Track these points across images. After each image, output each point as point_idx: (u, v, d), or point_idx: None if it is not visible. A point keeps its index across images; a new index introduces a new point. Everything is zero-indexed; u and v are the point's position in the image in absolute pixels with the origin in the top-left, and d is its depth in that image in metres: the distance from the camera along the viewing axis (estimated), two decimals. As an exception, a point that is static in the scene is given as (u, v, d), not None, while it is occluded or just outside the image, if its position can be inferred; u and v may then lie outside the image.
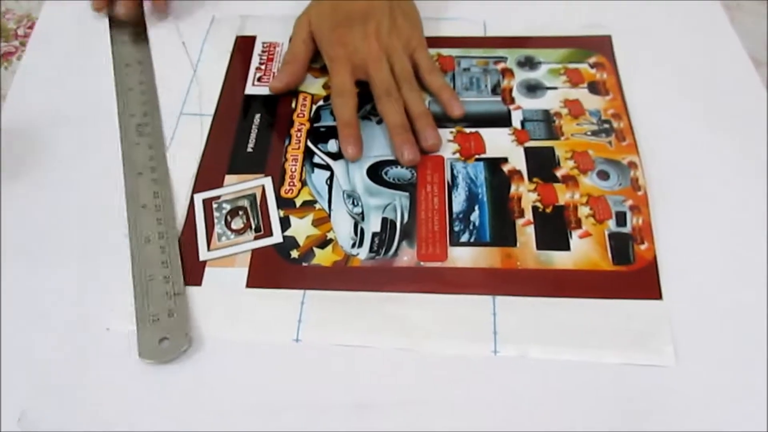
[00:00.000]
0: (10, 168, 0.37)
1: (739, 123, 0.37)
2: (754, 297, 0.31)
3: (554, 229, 0.33)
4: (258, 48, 0.43)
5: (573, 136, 0.37)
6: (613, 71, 0.40)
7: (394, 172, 0.36)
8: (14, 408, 0.28)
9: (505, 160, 0.36)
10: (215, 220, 0.35)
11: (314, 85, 0.41)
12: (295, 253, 0.33)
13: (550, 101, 0.39)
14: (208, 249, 0.34)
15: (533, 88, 0.39)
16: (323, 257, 0.33)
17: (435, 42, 0.42)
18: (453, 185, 0.35)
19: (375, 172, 0.36)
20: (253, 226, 0.34)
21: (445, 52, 0.42)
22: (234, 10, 0.45)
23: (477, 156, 0.36)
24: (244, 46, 0.43)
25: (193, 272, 0.33)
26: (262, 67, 0.42)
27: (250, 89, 0.40)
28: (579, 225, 0.33)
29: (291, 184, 0.36)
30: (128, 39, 0.43)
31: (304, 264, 0.33)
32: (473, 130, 0.38)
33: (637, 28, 0.42)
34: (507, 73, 0.40)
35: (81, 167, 0.37)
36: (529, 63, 0.41)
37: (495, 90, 0.39)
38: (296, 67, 0.40)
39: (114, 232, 0.34)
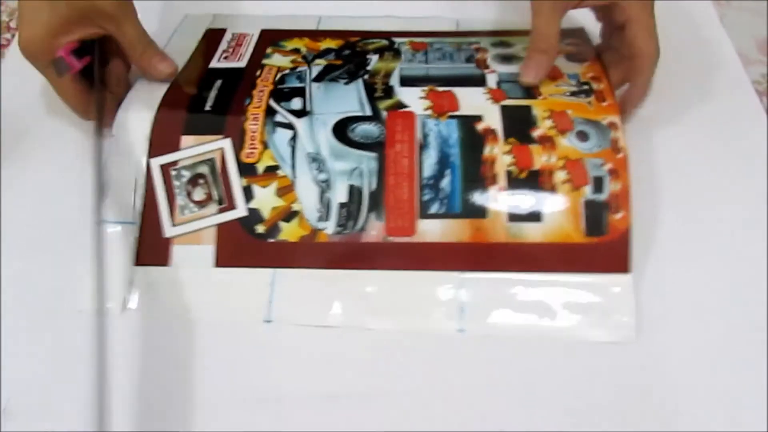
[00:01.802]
0: (3, 154, 0.37)
1: (725, 118, 0.37)
2: (728, 270, 0.31)
3: (529, 197, 0.32)
4: (227, 37, 0.40)
5: (551, 96, 0.34)
6: (590, 44, 0.37)
7: (361, 129, 0.34)
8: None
9: (479, 118, 0.33)
10: (176, 191, 0.33)
11: (281, 61, 0.38)
12: (260, 228, 0.32)
13: (534, 66, 0.35)
14: (173, 224, 0.33)
15: (509, 58, 0.37)
16: (289, 232, 0.32)
17: (407, 35, 0.40)
18: (424, 145, 0.33)
19: (341, 130, 0.34)
20: (216, 198, 0.33)
21: (418, 39, 0.39)
22: (208, 10, 0.44)
23: (450, 113, 0.34)
24: (213, 35, 0.41)
25: (160, 251, 0.32)
26: (230, 50, 0.39)
27: (215, 64, 0.38)
28: (554, 192, 0.32)
29: (252, 146, 0.34)
30: None
31: (270, 240, 0.32)
32: (446, 89, 0.34)
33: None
34: (481, 50, 0.38)
35: (71, 157, 0.36)
36: (504, 44, 0.38)
37: (469, 60, 0.37)
38: None
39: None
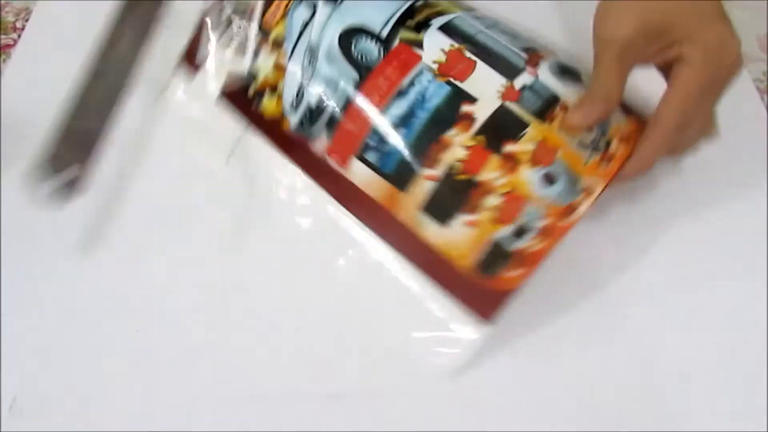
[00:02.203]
0: (4, 155, 0.37)
1: (726, 115, 0.33)
2: (728, 267, 0.32)
3: (450, 200, 0.30)
4: None
5: (559, 132, 0.29)
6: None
7: (363, 46, 0.32)
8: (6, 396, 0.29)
9: (472, 100, 0.30)
10: (219, 23, 0.37)
11: None
12: (251, 90, 0.36)
13: (569, 92, 0.30)
14: (206, 51, 0.37)
15: (565, 71, 0.30)
16: (268, 106, 0.35)
17: None
18: (403, 92, 0.31)
19: (348, 38, 0.33)
20: (236, 44, 0.36)
21: None
22: None
23: (451, 79, 0.30)
24: None
25: (193, 63, 0.38)
26: None
27: None
28: (474, 211, 0.29)
29: (275, 12, 0.35)
30: None
31: (252, 105, 0.36)
32: (473, 57, 0.31)
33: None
34: (546, 51, 0.32)
35: None
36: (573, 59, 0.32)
37: (526, 49, 0.31)
38: None
39: (109, 217, 0.35)
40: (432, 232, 0.30)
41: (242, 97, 0.36)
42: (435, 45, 0.31)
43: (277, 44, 0.35)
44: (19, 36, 0.43)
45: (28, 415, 0.28)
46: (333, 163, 0.33)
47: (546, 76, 0.31)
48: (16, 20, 0.46)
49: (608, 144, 0.29)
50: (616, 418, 0.28)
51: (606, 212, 0.34)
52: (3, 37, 0.45)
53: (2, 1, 0.46)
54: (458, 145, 0.30)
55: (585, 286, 0.31)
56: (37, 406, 0.29)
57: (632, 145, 0.29)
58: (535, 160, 0.29)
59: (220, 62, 0.37)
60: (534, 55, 0.31)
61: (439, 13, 0.33)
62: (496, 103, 0.30)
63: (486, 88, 0.30)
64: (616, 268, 0.32)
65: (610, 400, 0.28)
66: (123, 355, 0.30)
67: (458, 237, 0.30)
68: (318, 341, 0.31)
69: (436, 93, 0.31)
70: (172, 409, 0.29)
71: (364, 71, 0.32)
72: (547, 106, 0.30)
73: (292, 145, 0.34)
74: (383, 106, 0.31)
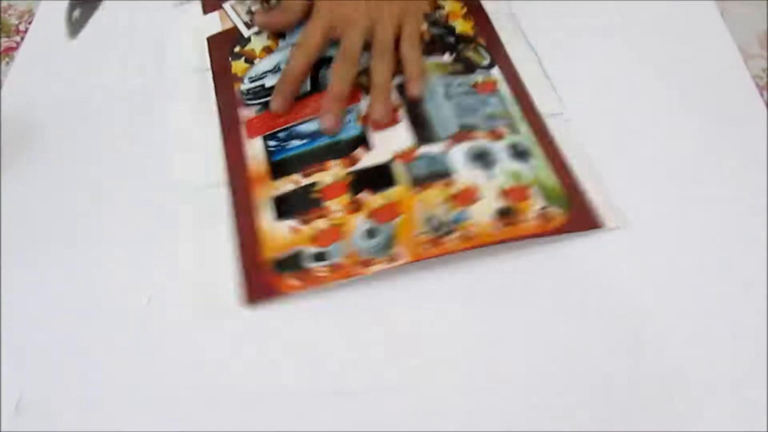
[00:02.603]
0: (5, 157, 0.38)
1: (725, 112, 0.37)
2: (729, 266, 0.31)
3: (295, 205, 0.34)
4: None
5: (417, 202, 0.33)
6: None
7: (328, 72, 0.38)
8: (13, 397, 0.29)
9: (369, 148, 0.35)
10: None
11: None
12: (237, 47, 0.42)
13: (467, 172, 0.34)
14: None
15: (481, 157, 0.34)
16: (238, 66, 0.41)
17: None
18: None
19: (325, 61, 0.39)
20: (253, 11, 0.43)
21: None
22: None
23: (366, 126, 0.36)
24: None
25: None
26: None
27: None
28: (304, 223, 0.33)
29: None
30: None
31: (228, 56, 0.42)
32: (401, 116, 0.36)
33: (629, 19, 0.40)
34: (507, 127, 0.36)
35: (76, 157, 0.38)
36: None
37: (466, 127, 0.35)
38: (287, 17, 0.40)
39: (108, 219, 0.35)
40: (266, 219, 0.34)
41: (224, 45, 0.42)
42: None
43: (277, 35, 0.42)
44: (22, 38, 0.43)
45: (34, 414, 0.29)
46: (243, 130, 0.38)
47: (456, 153, 0.34)
48: (19, 23, 0.48)
49: (450, 233, 0.32)
50: (617, 418, 0.28)
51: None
52: (5, 39, 0.47)
53: (4, 3, 0.46)
54: (332, 173, 0.35)
55: (584, 286, 0.31)
56: (43, 405, 0.29)
57: (473, 243, 0.31)
58: (373, 214, 0.33)
59: (233, 11, 0.43)
60: (465, 134, 0.35)
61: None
62: (385, 158, 0.35)
63: (390, 144, 0.35)
64: (615, 268, 0.32)
65: (611, 400, 0.28)
66: (127, 354, 0.30)
67: (279, 234, 0.33)
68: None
69: (346, 130, 0.36)
70: (172, 409, 0.29)
71: (314, 87, 0.38)
72: (434, 176, 0.33)
73: (229, 100, 0.40)
74: (306, 118, 0.37)
